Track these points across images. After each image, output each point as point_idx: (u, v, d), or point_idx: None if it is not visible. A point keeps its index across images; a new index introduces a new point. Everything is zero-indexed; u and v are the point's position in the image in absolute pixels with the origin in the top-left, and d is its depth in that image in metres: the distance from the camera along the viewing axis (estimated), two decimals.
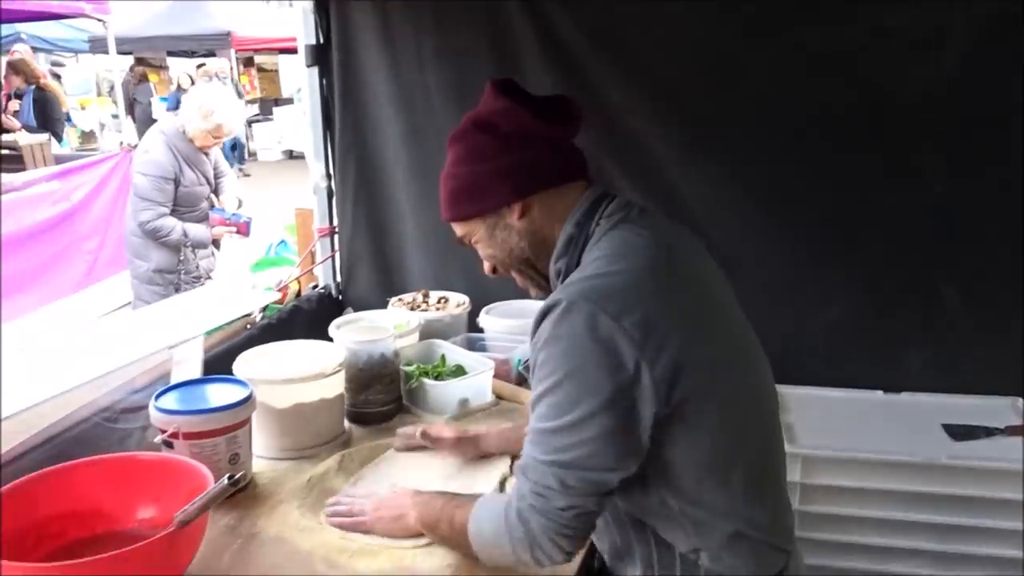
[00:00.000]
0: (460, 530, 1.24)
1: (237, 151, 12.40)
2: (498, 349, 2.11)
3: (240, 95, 12.40)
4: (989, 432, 2.05)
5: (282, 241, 4.80)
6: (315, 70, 2.42)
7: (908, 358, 2.23)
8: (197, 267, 3.98)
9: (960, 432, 2.05)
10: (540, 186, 1.23)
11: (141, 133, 6.80)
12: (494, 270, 1.34)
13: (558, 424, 1.07)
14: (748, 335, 1.26)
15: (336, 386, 1.72)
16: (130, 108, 11.90)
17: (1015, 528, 1.91)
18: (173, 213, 3.90)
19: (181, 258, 3.99)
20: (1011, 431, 2.05)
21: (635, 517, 1.20)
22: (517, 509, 1.13)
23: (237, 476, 1.17)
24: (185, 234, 3.90)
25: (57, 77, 11.92)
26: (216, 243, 4.11)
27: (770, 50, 2.08)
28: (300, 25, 2.38)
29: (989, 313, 2.16)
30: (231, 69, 13.40)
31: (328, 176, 2.52)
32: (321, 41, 2.40)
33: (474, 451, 1.65)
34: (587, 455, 1.07)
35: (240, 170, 12.10)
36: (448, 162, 1.30)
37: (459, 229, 1.32)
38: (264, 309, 2.37)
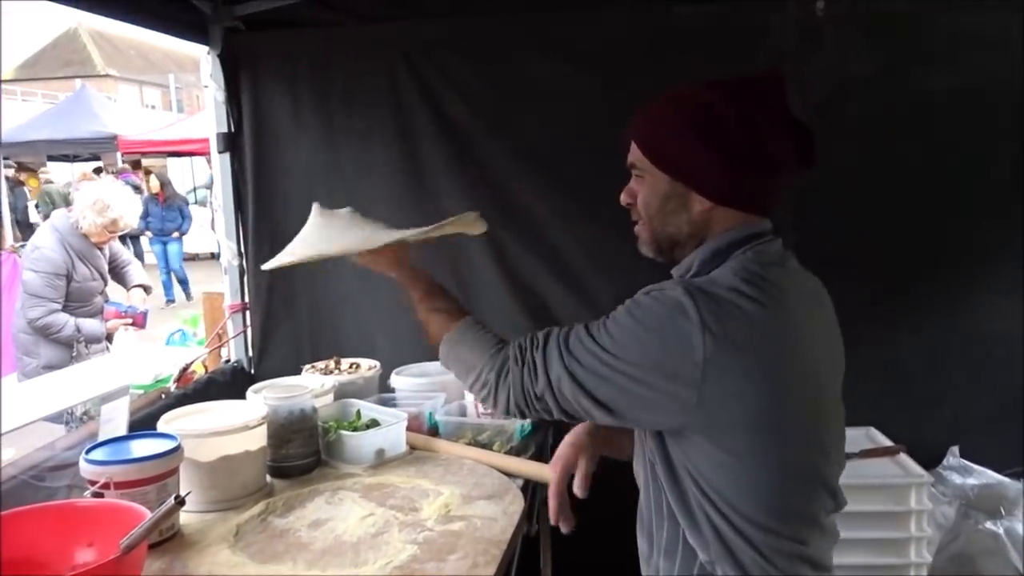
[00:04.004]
0: (443, 325, 1.43)
1: (184, 286, 11.35)
2: (410, 407, 2.23)
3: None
4: (847, 456, 2.32)
5: (180, 331, 4.79)
6: (227, 155, 2.59)
7: None
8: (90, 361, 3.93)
9: None
10: (744, 206, 1.24)
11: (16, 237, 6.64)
12: (630, 204, 1.34)
13: (601, 348, 1.18)
14: (831, 402, 1.30)
15: (259, 439, 1.82)
16: None
17: (870, 537, 2.17)
18: (65, 309, 3.87)
19: (73, 354, 3.94)
20: (865, 454, 2.35)
21: (675, 517, 1.26)
22: (514, 352, 1.27)
23: (184, 495, 1.26)
24: (78, 329, 3.87)
25: None
26: (109, 337, 4.07)
27: None
28: (212, 114, 2.56)
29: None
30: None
31: (240, 255, 2.65)
32: (232, 129, 2.58)
33: None
34: (599, 386, 1.19)
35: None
36: (694, 105, 1.23)
37: (638, 160, 1.29)
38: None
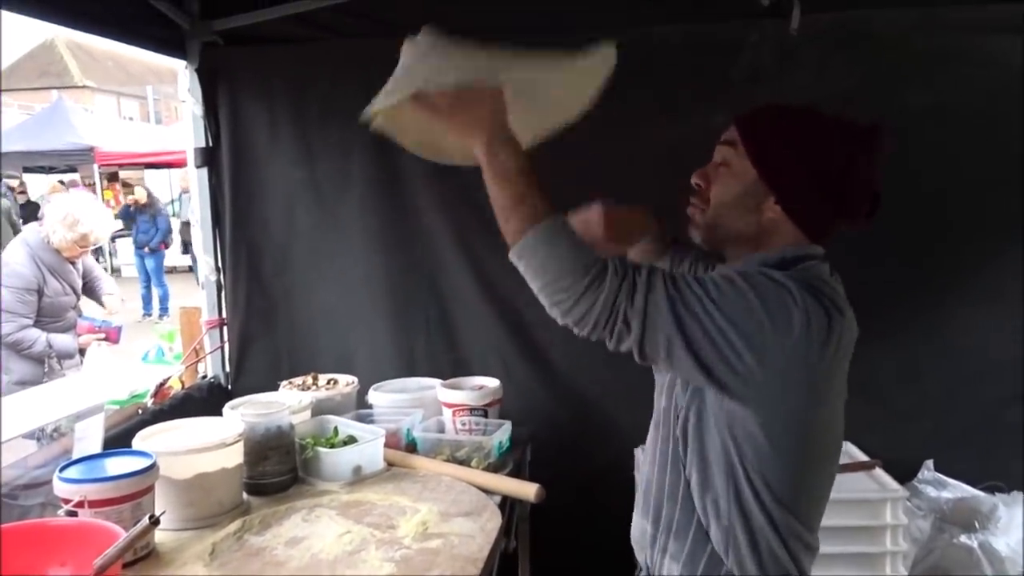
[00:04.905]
0: (534, 212, 1.26)
1: (163, 303, 10.89)
2: (387, 423, 2.23)
3: None
4: None
5: (157, 347, 4.74)
6: (204, 170, 2.58)
7: None
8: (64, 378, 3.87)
9: None
10: (806, 228, 1.31)
11: None
12: (701, 188, 1.36)
13: (706, 294, 1.18)
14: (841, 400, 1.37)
15: (236, 456, 1.80)
16: None
17: (845, 551, 2.18)
18: (37, 324, 3.82)
19: (46, 369, 3.88)
20: (840, 469, 2.35)
21: (691, 499, 1.31)
22: (614, 266, 1.21)
23: (159, 514, 1.24)
24: (50, 345, 3.81)
25: None
26: (82, 352, 4.02)
27: (621, 147, 2.39)
28: (190, 129, 2.55)
29: None
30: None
31: (217, 270, 2.64)
32: (210, 144, 2.57)
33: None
34: (693, 326, 1.18)
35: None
36: (811, 123, 1.29)
37: (734, 153, 1.32)
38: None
